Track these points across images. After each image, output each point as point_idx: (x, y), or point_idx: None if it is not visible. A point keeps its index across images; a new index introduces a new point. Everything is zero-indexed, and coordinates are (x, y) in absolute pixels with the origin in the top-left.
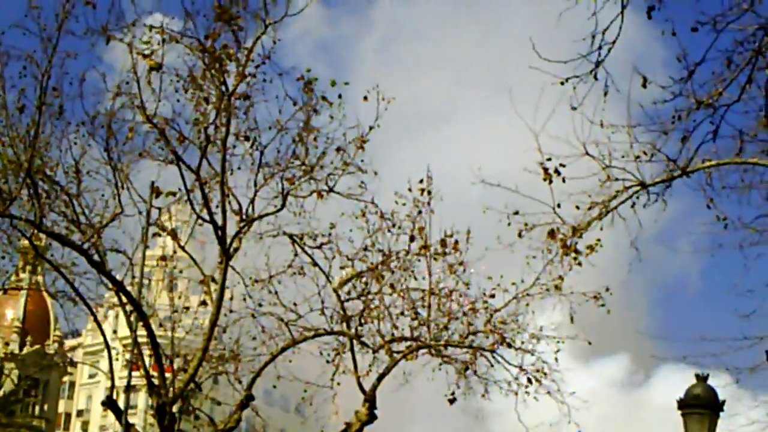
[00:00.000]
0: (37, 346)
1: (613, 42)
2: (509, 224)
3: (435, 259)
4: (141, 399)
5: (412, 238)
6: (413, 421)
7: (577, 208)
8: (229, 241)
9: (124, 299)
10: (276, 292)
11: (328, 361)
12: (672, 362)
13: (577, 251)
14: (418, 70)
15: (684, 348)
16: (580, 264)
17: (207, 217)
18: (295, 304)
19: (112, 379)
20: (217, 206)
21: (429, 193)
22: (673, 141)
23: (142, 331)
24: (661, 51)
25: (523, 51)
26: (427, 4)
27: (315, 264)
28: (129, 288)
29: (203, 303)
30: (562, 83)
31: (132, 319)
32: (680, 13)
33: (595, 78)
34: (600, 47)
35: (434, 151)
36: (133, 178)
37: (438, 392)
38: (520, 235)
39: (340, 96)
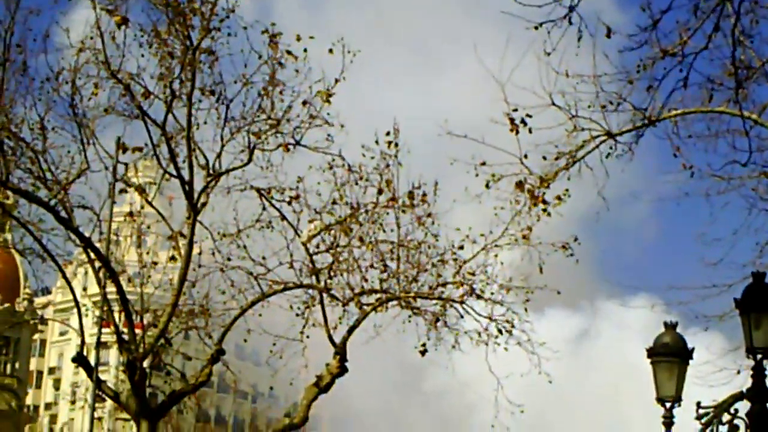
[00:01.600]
0: (7, 304)
1: None
2: (477, 175)
3: (403, 211)
4: (112, 355)
5: (380, 191)
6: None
7: (544, 158)
8: (196, 196)
9: (93, 256)
10: (245, 246)
11: (297, 315)
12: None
13: (545, 201)
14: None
15: (652, 296)
16: (548, 214)
17: (174, 173)
18: (263, 258)
19: (83, 336)
20: (184, 161)
21: (396, 145)
22: (639, 91)
23: (111, 288)
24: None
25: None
26: None
27: (283, 218)
28: (97, 244)
29: (172, 258)
30: (536, 27)
31: (101, 275)
32: None
33: (570, 22)
34: None
35: (401, 103)
36: (99, 134)
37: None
38: (487, 186)
39: (305, 50)
